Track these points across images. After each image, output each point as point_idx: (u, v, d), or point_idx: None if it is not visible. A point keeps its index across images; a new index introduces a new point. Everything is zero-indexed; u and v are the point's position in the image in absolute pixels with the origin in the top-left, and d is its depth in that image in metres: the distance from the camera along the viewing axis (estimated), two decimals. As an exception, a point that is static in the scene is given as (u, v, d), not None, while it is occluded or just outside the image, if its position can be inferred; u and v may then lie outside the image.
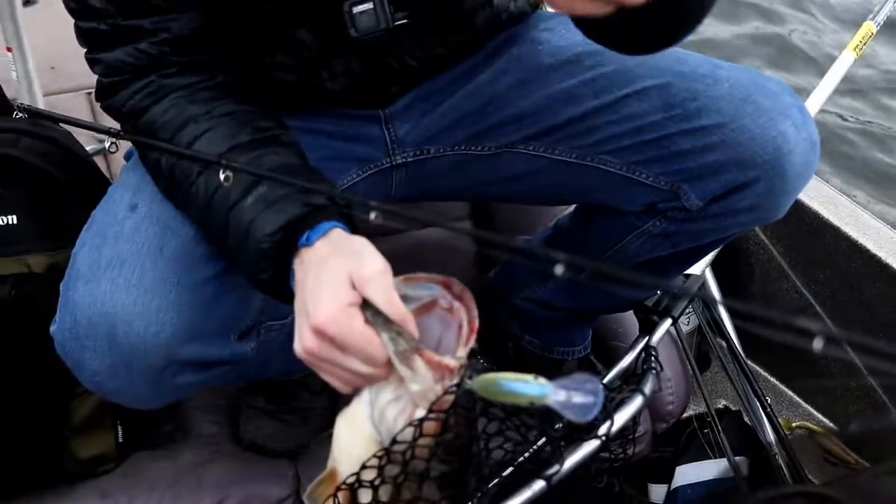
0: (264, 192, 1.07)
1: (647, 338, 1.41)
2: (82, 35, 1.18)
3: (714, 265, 1.83)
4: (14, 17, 2.11)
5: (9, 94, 2.05)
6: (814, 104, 1.77)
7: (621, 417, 1.12)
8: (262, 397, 1.66)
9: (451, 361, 0.97)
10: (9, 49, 2.16)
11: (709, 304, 1.74)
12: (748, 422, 1.72)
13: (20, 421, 1.45)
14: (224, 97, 1.17)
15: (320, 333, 0.96)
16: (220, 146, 1.12)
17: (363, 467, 1.01)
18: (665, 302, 1.49)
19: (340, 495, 1.05)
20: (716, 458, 1.67)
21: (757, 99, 1.25)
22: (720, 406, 1.88)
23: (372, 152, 1.40)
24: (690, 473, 1.71)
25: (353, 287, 0.96)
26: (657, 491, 1.73)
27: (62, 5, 1.17)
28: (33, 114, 1.42)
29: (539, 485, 0.99)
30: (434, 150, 1.42)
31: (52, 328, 1.20)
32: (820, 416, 1.89)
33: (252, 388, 1.67)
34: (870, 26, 1.90)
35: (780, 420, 1.70)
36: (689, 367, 1.76)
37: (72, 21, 1.17)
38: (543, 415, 0.92)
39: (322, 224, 1.04)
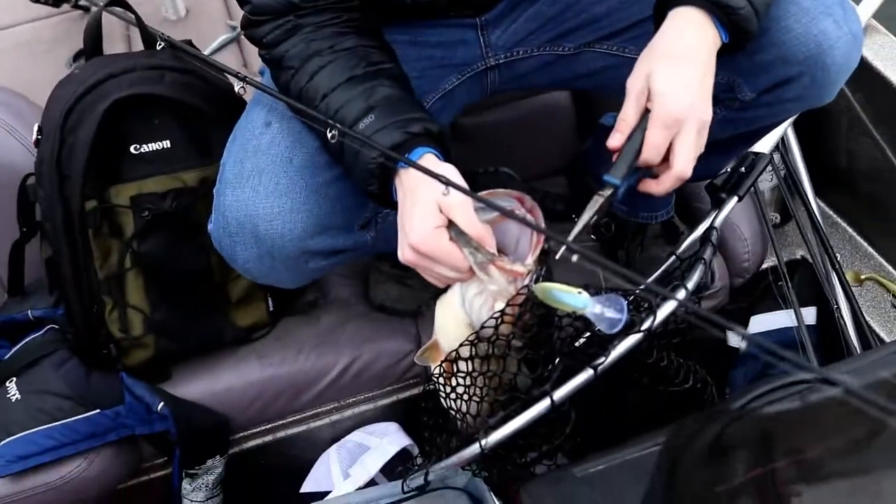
0: (372, 120, 1.30)
1: (711, 217, 1.57)
2: None
3: (798, 124, 1.98)
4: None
5: (145, 8, 2.32)
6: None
7: (662, 313, 1.32)
8: (388, 263, 1.93)
9: (519, 268, 1.22)
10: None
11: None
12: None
13: (191, 303, 1.78)
14: (346, 33, 1.39)
15: (415, 249, 1.22)
16: (340, 77, 1.34)
17: (461, 345, 1.29)
18: (733, 180, 1.65)
19: (443, 364, 1.33)
20: (787, 308, 1.86)
21: (800, 0, 1.38)
22: (798, 257, 2.04)
23: (469, 57, 1.61)
24: (763, 322, 1.92)
25: (440, 211, 1.20)
26: (734, 337, 1.95)
27: None
28: (174, 47, 1.66)
29: (588, 373, 1.22)
30: (522, 52, 1.61)
31: (210, 227, 1.50)
32: (890, 268, 2.04)
33: (380, 255, 1.93)
34: None
35: (848, 273, 1.88)
36: (766, 222, 1.94)
37: None
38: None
39: (417, 149, 1.28)
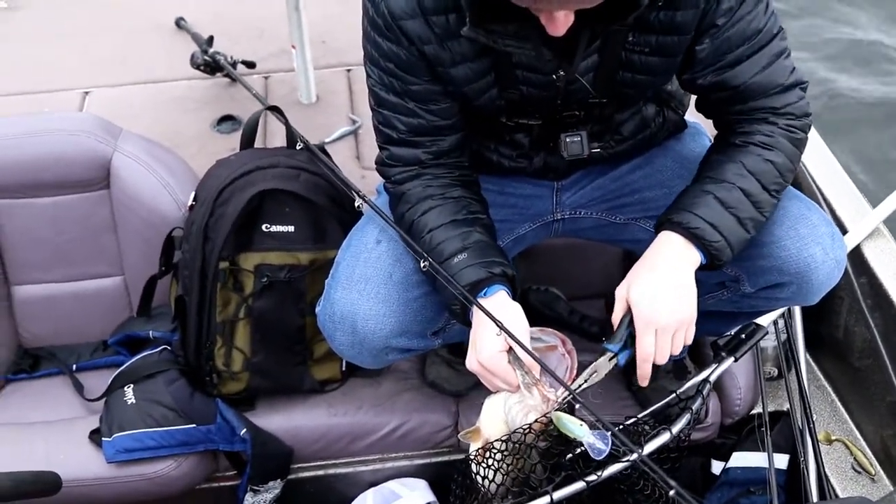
0: (465, 257, 1.70)
1: (709, 371, 1.93)
2: (380, 134, 1.81)
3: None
4: (299, 18, 2.79)
5: (284, 89, 2.73)
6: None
7: (650, 447, 1.70)
8: (446, 349, 2.32)
9: (552, 395, 1.62)
10: (293, 47, 2.86)
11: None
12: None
13: (283, 353, 2.21)
14: (455, 185, 1.80)
15: (481, 364, 1.63)
16: (445, 218, 1.74)
17: (497, 439, 1.68)
18: (733, 343, 2.01)
19: (479, 451, 1.73)
20: (764, 451, 2.22)
21: (798, 227, 1.77)
22: (784, 409, 2.40)
23: (542, 210, 2.02)
24: (743, 459, 2.29)
25: (504, 340, 1.61)
26: (717, 466, 2.32)
27: None
28: (310, 150, 2.09)
29: (581, 484, 1.62)
30: (584, 213, 2.02)
31: (318, 309, 1.89)
32: (859, 436, 2.39)
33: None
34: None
35: (822, 432, 2.25)
36: (759, 377, 2.31)
37: None
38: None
39: (494, 286, 1.68)
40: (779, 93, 1.71)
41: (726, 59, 1.67)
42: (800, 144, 1.74)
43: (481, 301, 1.66)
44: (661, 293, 1.62)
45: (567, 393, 1.61)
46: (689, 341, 1.68)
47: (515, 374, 1.63)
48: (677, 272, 1.64)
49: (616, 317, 1.67)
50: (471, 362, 1.66)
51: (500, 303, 1.65)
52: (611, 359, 1.67)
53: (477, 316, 1.66)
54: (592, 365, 1.66)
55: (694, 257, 1.66)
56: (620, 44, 1.64)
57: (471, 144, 1.86)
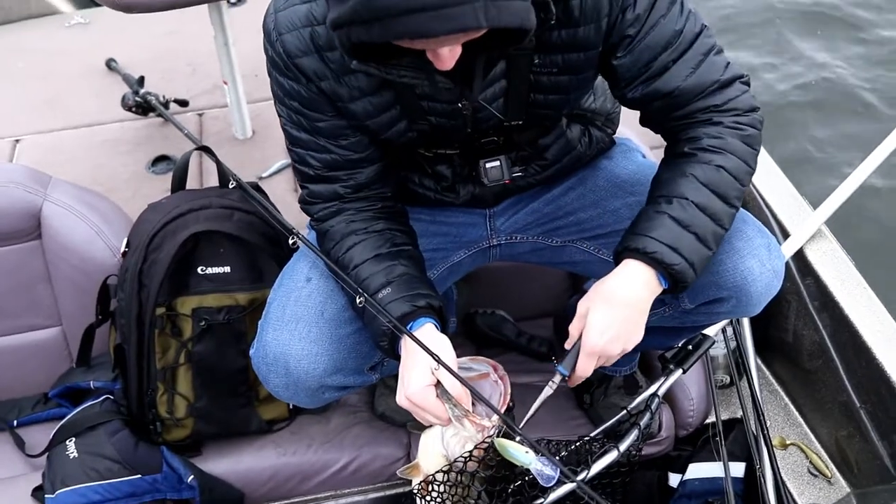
0: (389, 292, 1.67)
1: (657, 385, 1.92)
2: (297, 172, 1.79)
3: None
4: (229, 54, 2.77)
5: (219, 125, 2.70)
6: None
7: (597, 467, 1.69)
8: (394, 379, 2.29)
9: (486, 423, 1.59)
10: (224, 82, 2.83)
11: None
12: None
13: (227, 396, 2.17)
14: (379, 218, 1.76)
15: (409, 399, 1.60)
16: (369, 254, 1.71)
17: (436, 472, 1.66)
18: (680, 355, 2.00)
19: (421, 484, 1.70)
20: (720, 461, 2.22)
21: (733, 240, 1.74)
22: (738, 416, 2.40)
23: (476, 237, 1.99)
24: (699, 470, 2.27)
25: (431, 373, 1.58)
26: (674, 478, 2.31)
27: (264, 9, 1.65)
28: (242, 188, 2.06)
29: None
30: (519, 237, 2.00)
31: (251, 352, 1.86)
32: (814, 439, 2.39)
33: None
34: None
35: (776, 437, 2.25)
36: (711, 386, 2.31)
37: None
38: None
39: (420, 319, 1.65)
40: (717, 90, 1.65)
41: (652, 69, 1.63)
42: (752, 141, 1.67)
43: (407, 337, 1.62)
44: (612, 327, 1.61)
45: (500, 421, 1.58)
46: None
47: (445, 407, 1.60)
48: (630, 306, 1.62)
49: (574, 330, 1.65)
50: (400, 398, 1.62)
51: (426, 336, 1.62)
52: (561, 381, 1.65)
53: (404, 352, 1.63)
54: (544, 392, 1.65)
55: (653, 285, 1.62)
56: (527, 67, 1.62)
57: (394, 176, 1.84)
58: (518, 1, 1.32)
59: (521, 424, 1.57)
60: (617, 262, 1.65)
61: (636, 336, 1.63)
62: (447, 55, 1.39)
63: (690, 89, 1.64)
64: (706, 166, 1.64)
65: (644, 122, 1.76)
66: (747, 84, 1.70)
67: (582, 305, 1.64)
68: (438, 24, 1.29)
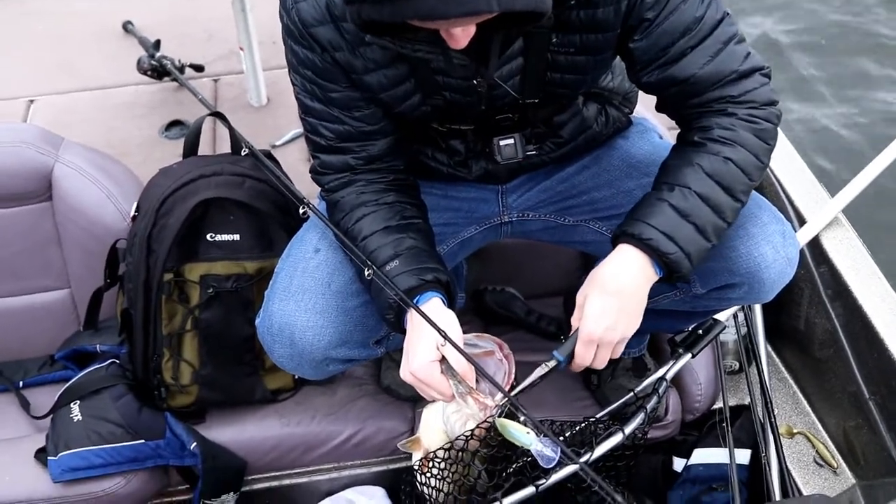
0: (397, 265, 1.66)
1: (666, 369, 1.90)
2: (309, 142, 1.77)
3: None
4: (246, 20, 2.74)
5: (234, 91, 2.68)
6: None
7: (601, 449, 1.68)
8: (400, 353, 2.29)
9: (489, 402, 1.58)
10: (241, 49, 2.81)
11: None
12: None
13: (233, 364, 2.16)
14: (390, 191, 1.75)
15: (413, 374, 1.58)
16: (378, 225, 1.70)
17: (438, 448, 1.65)
18: (690, 339, 1.98)
19: (422, 461, 1.69)
20: (725, 447, 2.20)
21: (747, 226, 1.72)
22: (746, 403, 2.37)
23: (488, 213, 1.97)
24: (704, 455, 2.26)
25: (437, 348, 1.57)
26: (679, 463, 2.29)
27: None
28: (255, 156, 2.03)
29: (531, 489, 1.59)
30: (531, 215, 1.98)
31: (257, 321, 1.85)
32: (821, 428, 2.37)
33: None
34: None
35: (783, 425, 2.23)
36: (720, 372, 2.29)
37: None
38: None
39: (427, 293, 1.64)
40: (735, 80, 1.62)
41: (669, 54, 1.60)
42: (765, 136, 1.64)
43: (413, 311, 1.60)
44: (607, 313, 1.59)
45: (505, 399, 1.57)
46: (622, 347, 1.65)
47: (449, 384, 1.59)
48: (626, 294, 1.60)
49: (575, 321, 1.64)
50: (404, 373, 1.61)
51: (433, 310, 1.60)
52: (555, 367, 1.63)
53: (410, 326, 1.62)
54: (536, 371, 1.63)
55: (648, 272, 1.60)
56: (545, 45, 1.60)
57: (407, 149, 1.81)
58: None
59: (508, 398, 1.55)
60: (613, 246, 1.63)
61: (633, 324, 1.61)
62: (460, 35, 1.38)
63: (707, 78, 1.61)
64: (714, 157, 1.61)
65: (660, 107, 1.74)
66: (768, 76, 1.66)
67: (580, 295, 1.63)
68: (449, 7, 1.28)
